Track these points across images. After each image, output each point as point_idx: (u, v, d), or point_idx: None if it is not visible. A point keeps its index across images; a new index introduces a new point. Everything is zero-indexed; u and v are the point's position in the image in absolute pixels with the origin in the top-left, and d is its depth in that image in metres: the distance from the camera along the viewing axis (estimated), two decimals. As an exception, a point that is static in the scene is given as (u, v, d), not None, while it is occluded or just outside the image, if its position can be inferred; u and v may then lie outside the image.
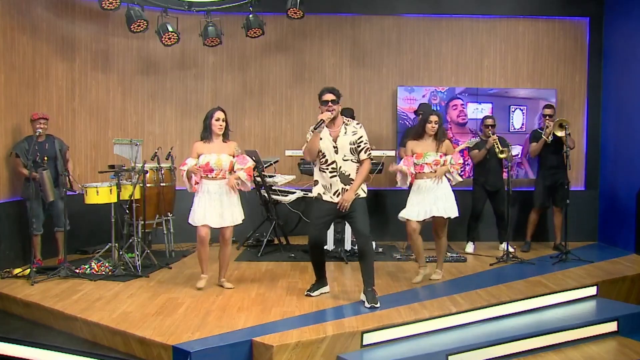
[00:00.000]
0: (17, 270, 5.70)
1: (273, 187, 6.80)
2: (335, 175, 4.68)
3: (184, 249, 6.98)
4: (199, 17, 7.20)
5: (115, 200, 5.80)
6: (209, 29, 7.04)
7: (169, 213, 6.67)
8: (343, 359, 3.98)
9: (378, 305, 4.61)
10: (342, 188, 4.68)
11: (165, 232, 6.67)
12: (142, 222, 6.16)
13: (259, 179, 6.74)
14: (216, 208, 5.07)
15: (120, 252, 5.92)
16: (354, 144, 4.68)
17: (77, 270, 5.70)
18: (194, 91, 7.84)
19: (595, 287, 5.40)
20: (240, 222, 5.25)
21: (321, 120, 4.57)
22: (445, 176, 5.40)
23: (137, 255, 5.87)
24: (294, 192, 6.81)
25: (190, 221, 5.16)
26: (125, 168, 6.04)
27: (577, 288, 5.32)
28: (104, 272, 5.74)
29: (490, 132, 6.77)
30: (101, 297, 4.97)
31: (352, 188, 4.66)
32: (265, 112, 7.92)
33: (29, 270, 5.55)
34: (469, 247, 7.02)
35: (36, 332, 4.62)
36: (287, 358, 3.84)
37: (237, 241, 7.30)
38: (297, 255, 6.63)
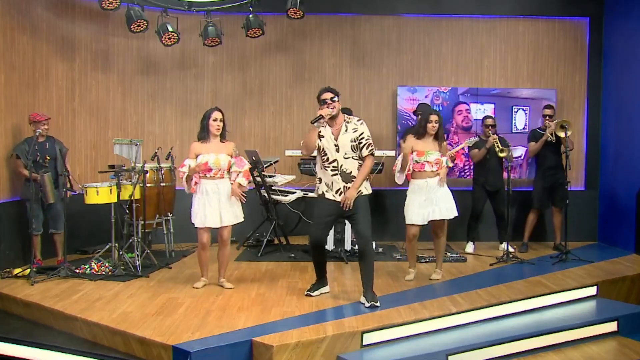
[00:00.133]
0: (17, 270, 5.70)
1: (273, 187, 6.80)
2: (337, 174, 4.68)
3: (184, 249, 6.98)
4: (199, 17, 7.20)
5: (115, 200, 5.80)
6: (209, 29, 7.04)
7: (169, 213, 6.67)
8: (343, 359, 3.98)
9: (378, 305, 4.61)
10: (344, 186, 4.67)
11: (165, 232, 6.67)
12: (142, 222, 6.16)
13: (259, 179, 6.74)
14: (215, 208, 5.08)
15: (120, 252, 5.92)
16: (355, 141, 4.68)
17: (77, 270, 5.70)
18: (194, 91, 7.84)
19: (595, 287, 5.40)
20: (241, 220, 5.25)
21: (320, 115, 4.57)
22: None
23: (137, 255, 5.87)
24: (294, 192, 6.81)
25: (193, 221, 5.19)
26: (125, 168, 6.04)
27: (577, 288, 5.32)
28: (104, 272, 5.74)
29: (490, 131, 6.77)
30: (101, 297, 4.97)
31: (354, 185, 4.65)
32: (265, 112, 7.92)
33: (29, 270, 5.55)
34: (469, 247, 7.02)
35: (36, 332, 4.62)
36: (287, 358, 3.84)
37: (237, 241, 7.31)
38: (297, 255, 6.63)
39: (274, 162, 7.12)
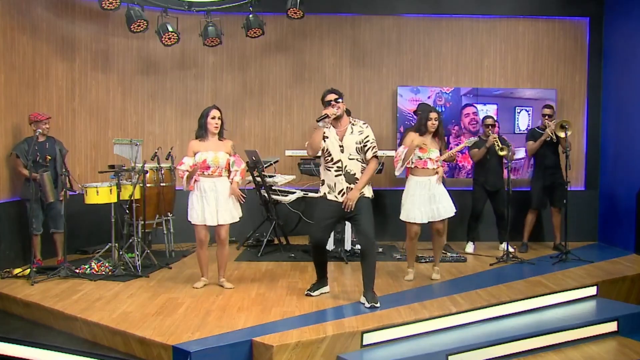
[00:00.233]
0: (17, 270, 5.70)
1: (273, 187, 6.80)
2: (340, 174, 4.68)
3: (184, 249, 6.98)
4: (199, 17, 7.20)
5: (115, 200, 5.80)
6: (209, 29, 7.04)
7: (169, 213, 6.67)
8: (343, 359, 3.98)
9: (378, 305, 4.61)
10: (347, 187, 4.68)
11: (165, 232, 6.67)
12: (142, 222, 6.16)
13: (259, 179, 6.74)
14: (212, 206, 5.08)
15: (120, 252, 5.92)
16: (360, 144, 4.69)
17: (77, 270, 5.70)
18: (194, 91, 7.84)
19: (595, 287, 5.40)
20: (238, 219, 5.25)
21: (325, 114, 4.58)
22: None
23: (137, 255, 5.87)
24: (294, 192, 6.81)
25: (189, 218, 5.19)
26: (125, 168, 6.04)
27: (577, 288, 5.32)
28: (104, 272, 5.74)
29: (490, 131, 6.77)
30: (101, 297, 4.97)
31: (357, 187, 4.66)
32: (265, 112, 7.92)
33: (29, 270, 5.55)
34: (469, 247, 7.02)
35: (36, 332, 4.62)
36: (287, 358, 3.84)
37: (237, 241, 7.31)
38: (297, 255, 6.63)
39: (274, 162, 7.12)
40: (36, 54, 6.60)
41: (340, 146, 4.67)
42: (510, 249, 6.56)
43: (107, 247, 6.02)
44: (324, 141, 4.69)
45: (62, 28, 6.97)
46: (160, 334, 4.01)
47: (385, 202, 7.64)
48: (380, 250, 6.80)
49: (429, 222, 5.42)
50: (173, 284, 5.42)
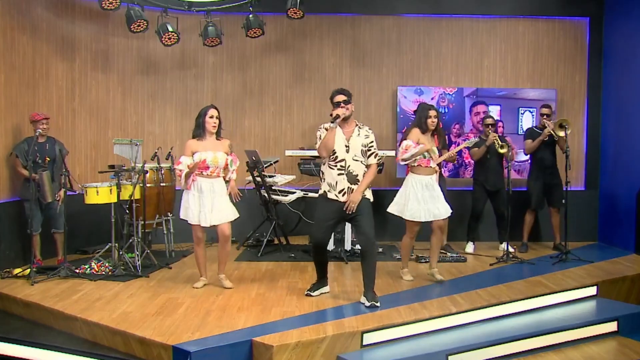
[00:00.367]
0: (17, 270, 5.70)
1: (273, 187, 6.80)
2: (343, 174, 4.70)
3: (184, 249, 6.98)
4: (199, 17, 7.20)
5: (115, 200, 5.80)
6: (209, 29, 7.04)
7: (169, 213, 6.67)
8: (343, 359, 3.98)
9: (378, 305, 4.61)
10: (348, 187, 4.69)
11: (165, 232, 6.67)
12: (142, 222, 6.16)
13: (259, 179, 6.74)
14: (208, 206, 5.08)
15: (120, 252, 5.92)
16: (365, 147, 4.75)
17: (77, 270, 5.70)
18: (194, 91, 7.84)
19: (595, 287, 5.40)
20: (238, 215, 5.23)
21: (337, 114, 4.61)
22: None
23: (137, 255, 5.87)
24: (294, 192, 6.81)
25: (183, 217, 5.17)
26: (125, 168, 6.04)
27: (577, 288, 5.32)
28: (104, 272, 5.74)
29: (490, 130, 6.76)
30: (101, 297, 4.97)
31: (359, 189, 4.68)
32: (265, 112, 7.92)
33: (29, 270, 5.55)
34: (469, 247, 7.02)
35: (36, 332, 4.62)
36: (287, 358, 3.84)
37: (237, 241, 7.31)
38: (297, 255, 6.63)
39: (274, 162, 7.12)
40: (36, 54, 6.60)
41: (347, 146, 4.70)
42: (510, 249, 6.56)
43: (107, 247, 6.02)
44: None
45: (62, 28, 6.97)
46: (160, 334, 4.01)
47: (385, 202, 7.58)
48: (380, 250, 6.80)
49: (428, 220, 5.41)
50: (173, 284, 5.42)
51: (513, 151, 6.71)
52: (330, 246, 6.68)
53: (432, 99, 7.68)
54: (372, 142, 4.78)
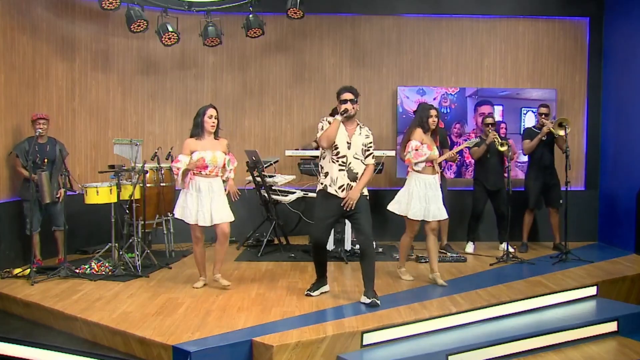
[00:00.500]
0: (17, 270, 5.70)
1: (273, 187, 6.80)
2: (344, 170, 4.74)
3: (184, 249, 6.97)
4: (199, 17, 7.20)
5: (115, 200, 5.80)
6: (209, 29, 7.04)
7: (168, 213, 6.66)
8: (343, 359, 3.98)
9: (379, 303, 4.62)
10: (348, 184, 4.73)
11: (165, 232, 6.67)
12: (142, 222, 6.16)
13: (259, 179, 6.74)
14: (206, 206, 5.07)
15: (120, 252, 5.92)
16: (365, 146, 4.82)
17: (77, 270, 5.70)
18: (194, 91, 7.84)
19: (595, 287, 5.40)
20: (233, 218, 5.22)
21: (345, 108, 4.70)
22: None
23: (137, 255, 5.87)
24: (294, 192, 6.81)
25: (178, 216, 5.15)
26: (125, 168, 6.04)
27: (577, 288, 5.32)
28: (104, 272, 5.74)
29: (490, 130, 6.76)
30: (101, 297, 4.97)
31: (358, 187, 4.73)
32: (265, 112, 7.92)
33: (29, 270, 5.55)
34: (469, 247, 7.02)
35: (36, 332, 4.62)
36: (287, 358, 3.84)
37: (237, 241, 7.31)
38: (297, 255, 6.63)
39: (274, 162, 7.12)
40: (36, 54, 6.60)
41: (348, 143, 4.75)
42: (510, 249, 6.56)
43: (107, 247, 6.02)
44: None
45: (62, 28, 6.97)
46: (160, 334, 4.01)
47: (385, 202, 7.58)
48: (380, 250, 6.80)
49: (423, 222, 5.40)
50: (173, 284, 5.42)
51: (513, 151, 6.69)
52: (330, 246, 6.68)
53: (434, 99, 7.68)
54: (371, 142, 4.87)
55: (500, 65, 7.91)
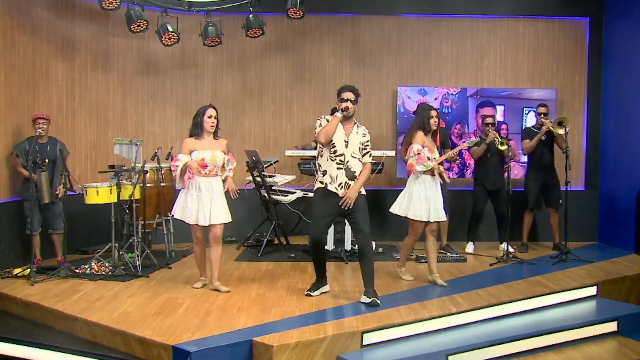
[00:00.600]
0: (17, 270, 5.70)
1: (273, 187, 6.80)
2: (342, 168, 4.76)
3: (184, 249, 6.97)
4: (199, 17, 7.20)
5: (115, 200, 5.80)
6: (209, 29, 7.04)
7: (168, 213, 6.65)
8: (343, 359, 3.98)
9: (379, 302, 4.62)
10: (345, 182, 4.75)
11: (165, 232, 6.67)
12: (142, 222, 6.16)
13: (259, 179, 6.74)
14: (205, 206, 5.06)
15: (120, 252, 5.92)
16: (362, 145, 4.84)
17: (77, 270, 5.70)
18: (194, 91, 7.84)
19: (595, 287, 5.40)
20: (230, 220, 5.21)
21: (346, 106, 4.73)
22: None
23: (137, 255, 5.87)
24: (294, 192, 6.80)
25: (178, 216, 5.14)
26: (125, 168, 6.04)
27: (577, 288, 5.32)
28: (104, 272, 5.74)
29: (490, 129, 6.75)
30: (101, 297, 4.97)
31: (356, 186, 4.74)
32: (265, 112, 7.92)
33: (29, 270, 5.55)
34: (469, 247, 7.02)
35: (36, 332, 4.62)
36: (287, 358, 3.84)
37: (237, 241, 7.32)
38: (297, 255, 6.63)
39: (274, 162, 7.12)
40: (36, 54, 6.60)
41: (346, 141, 4.78)
42: (510, 249, 6.56)
43: (107, 247, 6.02)
44: None
45: (62, 28, 6.97)
46: (160, 334, 4.01)
47: (385, 202, 7.62)
48: (380, 250, 6.80)
49: (429, 222, 5.40)
50: (173, 284, 5.42)
51: (514, 153, 6.69)
52: (330, 246, 6.68)
53: (435, 99, 7.69)
54: (368, 141, 4.90)
55: (500, 65, 7.91)
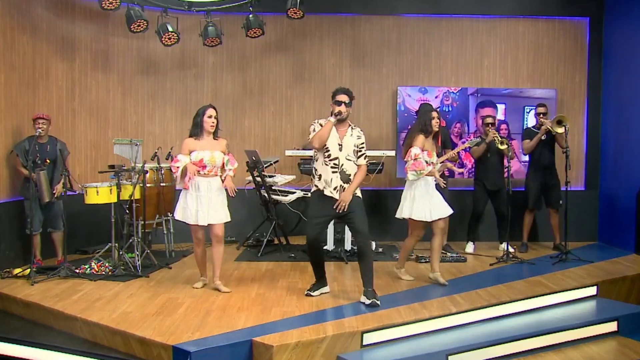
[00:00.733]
0: (17, 270, 5.70)
1: (273, 187, 6.80)
2: (336, 172, 4.75)
3: (184, 249, 6.97)
4: (199, 17, 7.20)
5: (115, 200, 5.80)
6: (209, 29, 7.04)
7: (168, 213, 6.66)
8: (343, 359, 3.98)
9: (379, 303, 4.62)
10: (341, 185, 4.74)
11: (165, 232, 6.67)
12: (142, 222, 6.16)
13: (259, 179, 6.74)
14: (204, 205, 5.05)
15: (120, 252, 5.92)
16: (357, 147, 4.82)
17: (77, 270, 5.70)
18: (194, 91, 7.84)
19: (595, 287, 5.40)
20: (229, 219, 5.20)
21: (339, 111, 4.70)
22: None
23: (137, 255, 5.87)
24: (294, 192, 6.81)
25: (179, 218, 5.14)
26: (125, 168, 6.04)
27: (577, 288, 5.32)
28: (104, 272, 5.74)
29: (490, 129, 6.75)
30: (101, 297, 4.97)
31: (350, 189, 4.74)
32: (265, 112, 7.92)
33: (29, 270, 5.56)
34: (469, 247, 7.02)
35: (36, 332, 4.62)
36: (287, 358, 3.84)
37: (237, 241, 7.31)
38: (297, 255, 6.63)
39: (274, 162, 7.12)
40: (36, 54, 6.60)
41: (339, 145, 4.76)
42: (510, 249, 6.56)
43: (107, 247, 6.02)
44: None
45: (62, 28, 6.97)
46: (160, 334, 4.01)
47: (385, 202, 7.64)
48: (380, 250, 6.80)
49: (434, 220, 5.40)
50: (173, 284, 5.42)
51: (513, 154, 6.70)
52: (330, 246, 6.69)
53: (435, 97, 7.69)
54: (362, 143, 4.87)
55: (500, 65, 7.91)
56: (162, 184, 6.56)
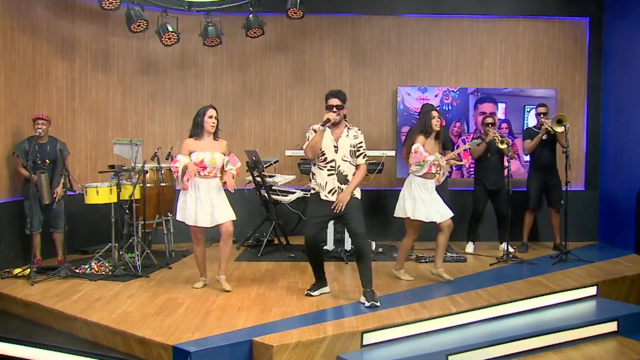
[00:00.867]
0: (17, 270, 5.71)
1: (273, 187, 6.80)
2: (333, 174, 4.73)
3: (184, 249, 6.97)
4: (199, 17, 7.20)
5: (115, 200, 5.80)
6: (209, 29, 7.04)
7: (168, 213, 6.66)
8: (343, 359, 3.98)
9: (378, 304, 4.62)
10: (338, 187, 4.73)
11: (165, 232, 6.67)
12: (142, 222, 6.16)
13: (259, 179, 6.74)
14: (206, 207, 5.05)
15: (120, 252, 5.92)
16: (354, 147, 4.78)
17: (77, 270, 5.70)
18: (194, 91, 7.84)
19: (595, 287, 5.40)
20: (235, 218, 5.20)
21: (327, 118, 4.65)
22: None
23: (137, 255, 5.87)
24: (294, 192, 6.81)
25: (179, 218, 5.15)
26: (125, 168, 6.04)
27: (577, 288, 5.32)
28: (104, 272, 5.74)
29: (490, 129, 6.75)
30: (101, 297, 4.97)
31: (348, 189, 4.72)
32: (265, 112, 7.92)
33: (29, 270, 5.56)
34: (469, 247, 7.02)
35: (36, 332, 4.62)
36: (287, 358, 3.84)
37: (237, 241, 7.30)
38: (297, 255, 6.63)
39: (274, 162, 7.12)
40: (36, 54, 6.60)
41: (335, 146, 4.74)
42: (510, 249, 6.56)
43: (107, 247, 6.02)
44: None
45: (62, 28, 6.97)
46: (160, 334, 4.01)
47: (385, 202, 7.64)
48: (380, 250, 6.80)
49: (439, 221, 5.39)
50: (173, 284, 5.42)
51: (514, 154, 6.69)
52: (330, 246, 6.69)
53: (435, 96, 7.69)
54: (360, 142, 4.82)
55: (500, 65, 7.91)
56: (162, 184, 6.56)
